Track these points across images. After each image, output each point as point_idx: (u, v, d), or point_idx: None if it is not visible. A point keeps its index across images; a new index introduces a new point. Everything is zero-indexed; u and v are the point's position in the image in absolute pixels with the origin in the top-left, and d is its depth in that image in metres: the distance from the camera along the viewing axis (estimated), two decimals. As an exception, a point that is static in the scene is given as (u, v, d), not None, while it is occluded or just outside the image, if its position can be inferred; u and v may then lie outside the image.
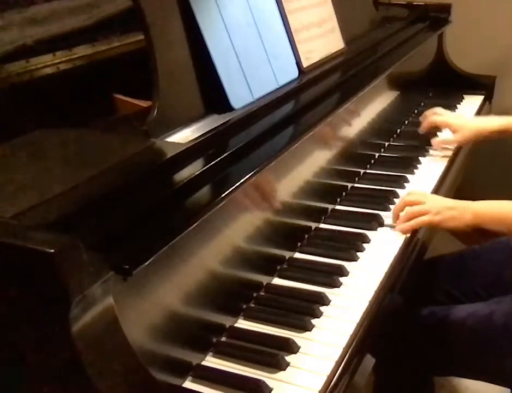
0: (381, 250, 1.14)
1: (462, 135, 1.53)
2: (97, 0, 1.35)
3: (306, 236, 1.18)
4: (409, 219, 1.19)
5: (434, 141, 1.58)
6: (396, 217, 1.22)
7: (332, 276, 1.05)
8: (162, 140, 0.94)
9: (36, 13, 1.23)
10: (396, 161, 1.53)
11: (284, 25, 1.27)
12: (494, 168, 2.02)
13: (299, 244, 1.15)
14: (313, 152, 1.21)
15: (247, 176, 0.92)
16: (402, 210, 1.21)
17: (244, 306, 0.98)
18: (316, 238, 1.19)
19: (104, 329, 0.66)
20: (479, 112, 1.89)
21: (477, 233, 1.21)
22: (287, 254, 1.12)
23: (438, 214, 1.17)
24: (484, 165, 1.53)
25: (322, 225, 1.23)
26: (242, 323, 0.96)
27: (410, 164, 1.49)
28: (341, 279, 1.05)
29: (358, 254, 1.12)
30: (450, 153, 1.56)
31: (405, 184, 1.41)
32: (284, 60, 1.25)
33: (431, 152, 1.58)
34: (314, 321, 0.94)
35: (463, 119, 1.58)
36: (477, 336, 1.14)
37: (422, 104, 1.96)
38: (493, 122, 1.52)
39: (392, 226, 1.22)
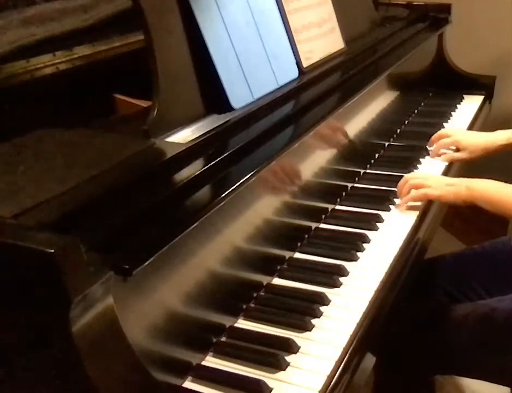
0: (381, 250, 1.14)
1: (470, 152, 1.52)
2: (97, 0, 1.35)
3: (306, 236, 1.18)
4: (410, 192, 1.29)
5: (443, 157, 1.55)
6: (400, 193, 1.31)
7: (332, 276, 1.05)
8: (162, 140, 0.94)
9: (36, 13, 1.23)
10: (395, 161, 1.53)
11: (284, 25, 1.27)
12: (495, 167, 2.02)
13: (299, 244, 1.15)
14: (313, 152, 1.21)
15: (247, 176, 0.92)
16: (407, 192, 1.29)
17: (244, 306, 0.98)
18: (316, 238, 1.19)
19: (104, 329, 0.66)
20: (479, 112, 1.89)
21: (477, 232, 1.22)
22: (287, 254, 1.12)
23: (437, 188, 1.25)
24: (485, 163, 1.53)
25: (322, 225, 1.23)
26: (242, 323, 0.96)
27: (410, 164, 1.49)
28: (341, 279, 1.05)
29: (358, 254, 1.12)
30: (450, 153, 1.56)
31: (405, 184, 1.41)
32: (284, 60, 1.25)
33: (431, 152, 1.58)
34: (314, 321, 0.94)
35: (470, 137, 1.57)
36: (477, 334, 1.14)
37: (422, 104, 1.96)
38: (500, 136, 1.51)
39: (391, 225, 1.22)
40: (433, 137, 1.59)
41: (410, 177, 1.32)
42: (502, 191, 1.18)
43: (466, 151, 1.52)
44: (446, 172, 1.48)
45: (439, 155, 1.55)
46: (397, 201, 1.31)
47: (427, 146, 1.59)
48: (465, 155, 1.53)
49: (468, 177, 1.27)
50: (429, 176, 1.33)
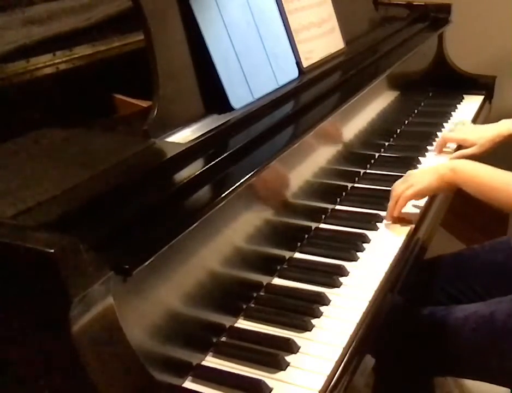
0: (381, 250, 1.14)
1: (480, 147, 1.50)
2: (97, 0, 1.35)
3: (306, 236, 1.18)
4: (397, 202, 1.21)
5: (454, 154, 1.52)
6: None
7: (332, 276, 1.05)
8: (162, 140, 0.95)
9: (36, 13, 1.23)
10: (396, 161, 1.53)
11: (284, 25, 1.27)
12: (495, 167, 2.02)
13: (299, 244, 1.15)
14: (312, 152, 1.21)
15: (247, 176, 0.92)
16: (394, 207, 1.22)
17: (244, 306, 0.98)
18: (316, 238, 1.19)
19: (104, 329, 0.66)
20: (479, 112, 1.89)
21: (477, 232, 1.21)
22: (287, 254, 1.12)
23: (418, 182, 1.19)
24: (485, 163, 1.53)
25: (322, 225, 1.23)
26: (242, 323, 0.96)
27: (410, 164, 1.49)
28: (341, 279, 1.05)
29: (358, 254, 1.12)
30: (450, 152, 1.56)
31: (405, 184, 1.40)
32: (284, 60, 1.25)
33: (431, 151, 1.58)
34: (314, 321, 0.94)
35: (476, 131, 1.55)
36: (477, 336, 1.14)
37: (422, 104, 1.96)
38: (506, 126, 1.49)
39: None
40: (439, 141, 1.57)
41: (394, 188, 1.23)
42: (495, 177, 1.14)
43: (476, 147, 1.50)
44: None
45: (441, 152, 1.54)
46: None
47: (430, 148, 1.57)
48: (475, 150, 1.50)
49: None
50: (410, 175, 1.25)
